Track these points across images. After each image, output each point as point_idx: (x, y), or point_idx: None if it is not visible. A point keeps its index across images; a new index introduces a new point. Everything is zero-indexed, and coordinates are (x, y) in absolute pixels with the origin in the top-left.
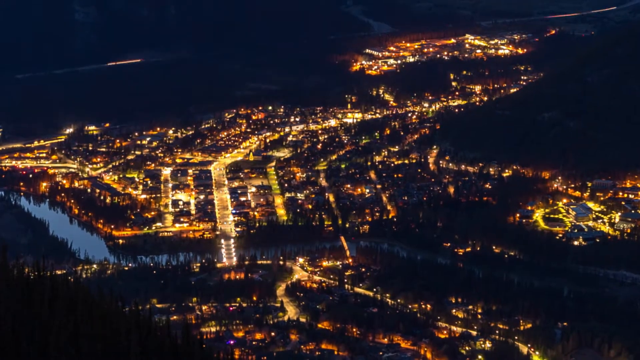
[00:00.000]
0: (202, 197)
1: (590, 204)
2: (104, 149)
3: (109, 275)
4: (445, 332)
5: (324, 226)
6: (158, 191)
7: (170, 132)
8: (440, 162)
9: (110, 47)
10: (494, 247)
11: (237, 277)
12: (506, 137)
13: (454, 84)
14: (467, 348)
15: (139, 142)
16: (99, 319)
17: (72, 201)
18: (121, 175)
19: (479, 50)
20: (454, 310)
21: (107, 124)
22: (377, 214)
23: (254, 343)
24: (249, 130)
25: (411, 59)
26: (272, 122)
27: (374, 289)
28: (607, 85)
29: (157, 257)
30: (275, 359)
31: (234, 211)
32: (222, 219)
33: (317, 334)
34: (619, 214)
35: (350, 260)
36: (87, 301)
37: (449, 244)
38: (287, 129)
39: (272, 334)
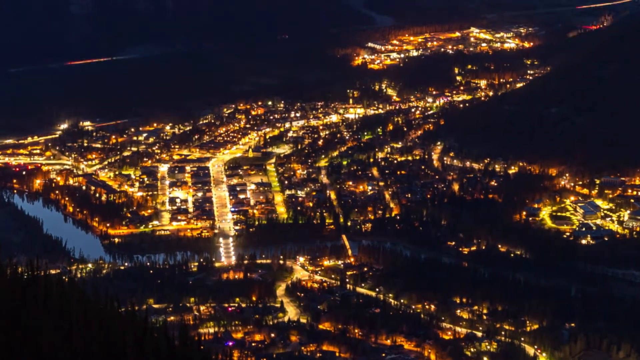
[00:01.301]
0: (200, 194)
1: (599, 202)
2: (99, 145)
3: (105, 274)
4: (449, 333)
5: (325, 224)
6: (155, 188)
7: (167, 128)
8: (445, 158)
9: (106, 41)
10: (499, 246)
11: (236, 276)
12: (512, 133)
13: (458, 78)
14: (472, 349)
15: (135, 138)
16: (94, 319)
17: (67, 199)
18: (117, 172)
19: (484, 44)
20: (458, 311)
21: (103, 120)
22: (379, 211)
23: (253, 344)
24: (248, 126)
25: (415, 53)
26: (272, 117)
27: (377, 289)
28: (615, 80)
29: (153, 256)
30: None
31: (232, 209)
32: (220, 217)
33: (318, 335)
34: (628, 211)
35: (352, 259)
36: (81, 301)
37: (453, 243)
38: (287, 125)
39: (272, 335)
